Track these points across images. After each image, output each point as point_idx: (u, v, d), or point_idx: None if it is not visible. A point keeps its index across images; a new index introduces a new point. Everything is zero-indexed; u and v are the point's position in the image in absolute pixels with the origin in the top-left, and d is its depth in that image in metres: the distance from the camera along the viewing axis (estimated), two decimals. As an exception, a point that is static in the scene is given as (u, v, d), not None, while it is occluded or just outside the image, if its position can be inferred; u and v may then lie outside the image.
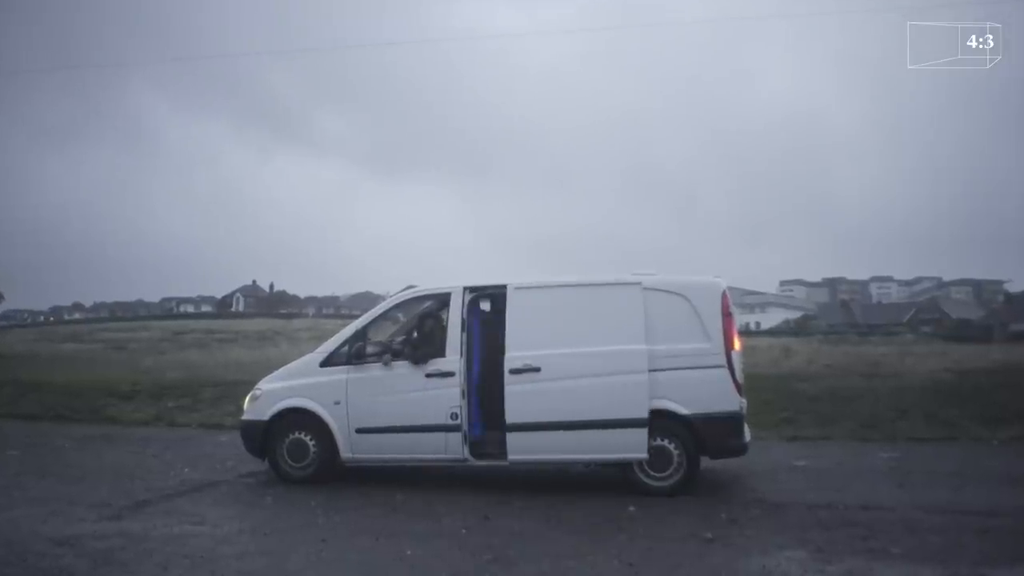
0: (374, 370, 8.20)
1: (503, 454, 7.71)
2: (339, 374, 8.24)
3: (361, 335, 8.41)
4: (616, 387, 7.45)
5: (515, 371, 7.62)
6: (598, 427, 7.47)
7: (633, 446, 7.45)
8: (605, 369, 7.50)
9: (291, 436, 8.30)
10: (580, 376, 7.56)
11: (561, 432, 7.53)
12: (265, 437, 8.39)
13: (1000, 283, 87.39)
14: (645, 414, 7.39)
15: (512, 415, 7.57)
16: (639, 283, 7.76)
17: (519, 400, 7.58)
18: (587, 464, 8.15)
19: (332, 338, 8.63)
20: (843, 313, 77.13)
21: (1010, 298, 68.05)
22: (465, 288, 8.16)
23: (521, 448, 7.63)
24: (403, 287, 8.92)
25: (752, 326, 65.26)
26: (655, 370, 7.49)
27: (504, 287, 8.29)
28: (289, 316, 68.28)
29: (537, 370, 7.57)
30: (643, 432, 7.41)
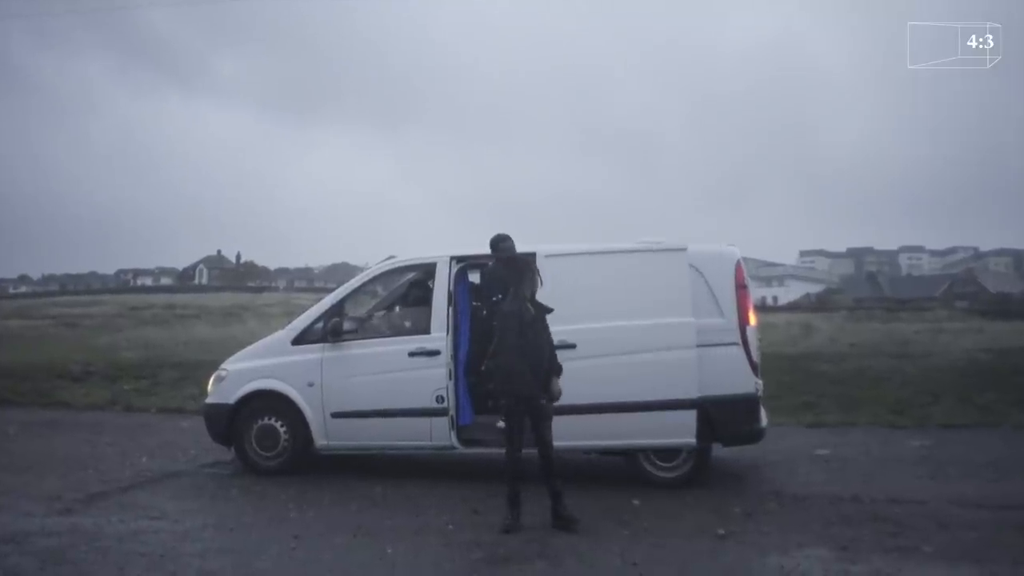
0: (352, 348, 8.16)
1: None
2: (313, 353, 8.20)
3: (337, 310, 8.35)
4: (662, 365, 7.40)
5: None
6: (640, 410, 7.39)
7: (680, 430, 7.40)
8: (649, 345, 7.41)
9: (260, 422, 8.28)
10: (621, 353, 7.47)
11: (598, 416, 7.40)
12: (231, 423, 8.36)
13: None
14: (694, 395, 7.36)
15: None
16: (683, 249, 7.68)
17: None
18: (593, 452, 8.14)
19: (305, 313, 8.60)
20: (870, 286, 77.40)
21: (1053, 270, 68.20)
22: (452, 258, 8.11)
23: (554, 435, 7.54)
24: (384, 257, 8.87)
25: (769, 301, 65.54)
26: None
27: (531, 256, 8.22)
28: (258, 290, 68.37)
29: (572, 347, 7.38)
30: (691, 415, 7.36)
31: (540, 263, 7.51)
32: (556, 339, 6.95)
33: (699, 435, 7.49)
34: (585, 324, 7.50)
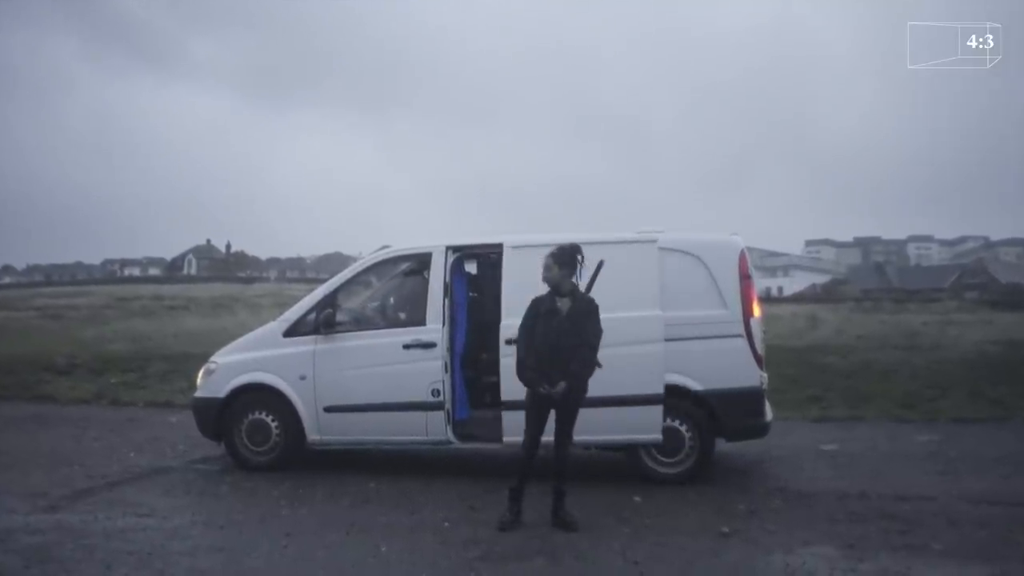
0: (345, 341, 8.15)
1: (496, 436, 7.64)
2: (305, 345, 8.18)
3: (330, 301, 8.33)
4: (628, 359, 7.33)
5: (511, 341, 7.49)
6: (605, 405, 7.31)
7: (646, 427, 7.40)
8: (615, 339, 7.39)
9: (251, 416, 8.28)
10: None
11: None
12: (221, 417, 8.35)
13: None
14: (660, 390, 7.34)
15: (508, 391, 7.39)
16: (654, 241, 7.68)
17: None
18: (585, 447, 8.13)
19: (297, 304, 8.57)
20: (877, 277, 77.43)
21: (1065, 260, 68.21)
22: (448, 248, 8.08)
23: (519, 429, 7.53)
24: (378, 247, 8.85)
25: (774, 291, 65.67)
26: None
27: (496, 246, 8.21)
28: (248, 280, 68.50)
29: None
30: (658, 411, 7.36)
31: (507, 255, 7.71)
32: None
33: (702, 429, 7.56)
34: None
